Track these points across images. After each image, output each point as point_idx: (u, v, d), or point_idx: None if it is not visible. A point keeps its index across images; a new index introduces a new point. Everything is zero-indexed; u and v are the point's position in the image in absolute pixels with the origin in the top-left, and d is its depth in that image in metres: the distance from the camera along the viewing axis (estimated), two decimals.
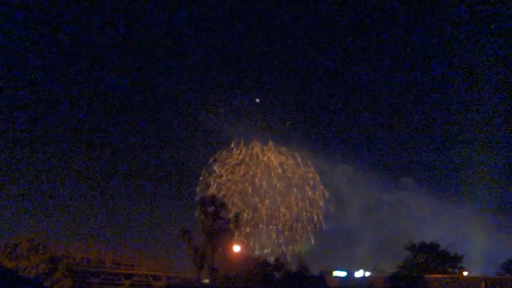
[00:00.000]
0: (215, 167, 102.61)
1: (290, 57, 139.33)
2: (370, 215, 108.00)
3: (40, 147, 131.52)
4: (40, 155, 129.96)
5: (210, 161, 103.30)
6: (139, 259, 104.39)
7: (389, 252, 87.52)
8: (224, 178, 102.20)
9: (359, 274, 72.96)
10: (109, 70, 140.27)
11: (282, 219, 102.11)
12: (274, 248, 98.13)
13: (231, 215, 79.01)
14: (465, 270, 70.18)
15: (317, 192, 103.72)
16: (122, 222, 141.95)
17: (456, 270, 70.20)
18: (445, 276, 64.58)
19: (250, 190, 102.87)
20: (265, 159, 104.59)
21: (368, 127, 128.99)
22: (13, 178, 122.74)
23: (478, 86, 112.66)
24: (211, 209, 75.56)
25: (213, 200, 77.20)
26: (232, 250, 76.23)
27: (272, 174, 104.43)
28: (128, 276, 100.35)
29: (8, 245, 72.82)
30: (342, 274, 71.96)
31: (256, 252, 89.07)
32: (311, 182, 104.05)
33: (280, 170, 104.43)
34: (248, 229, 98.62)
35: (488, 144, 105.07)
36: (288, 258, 78.47)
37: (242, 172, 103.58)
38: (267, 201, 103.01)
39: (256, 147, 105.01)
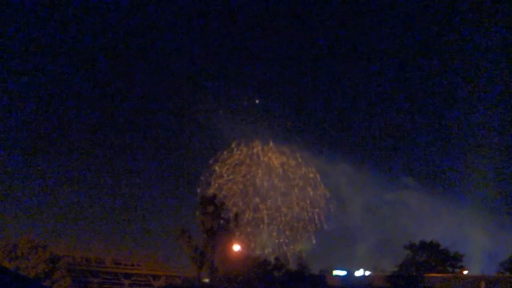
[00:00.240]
0: (216, 167, 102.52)
1: (291, 57, 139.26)
2: (371, 214, 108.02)
3: (39, 146, 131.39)
4: (39, 155, 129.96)
5: (211, 161, 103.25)
6: (139, 259, 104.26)
7: (389, 252, 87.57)
8: (225, 178, 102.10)
9: (359, 273, 73.00)
10: (109, 70, 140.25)
11: (283, 219, 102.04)
12: (275, 248, 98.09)
13: (231, 215, 78.91)
14: (465, 269, 70.26)
15: (318, 192, 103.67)
16: (122, 222, 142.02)
17: (456, 269, 70.26)
18: (445, 275, 64.64)
19: (251, 190, 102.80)
20: (265, 159, 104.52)
21: (368, 126, 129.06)
22: (13, 178, 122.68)
23: (478, 86, 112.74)
24: (211, 208, 75.55)
25: (213, 199, 77.15)
26: (232, 249, 76.20)
27: (273, 174, 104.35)
28: (128, 276, 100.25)
29: (8, 245, 72.74)
30: (342, 273, 72.01)
31: (258, 252, 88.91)
32: (312, 182, 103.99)
33: (281, 170, 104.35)
34: (249, 229, 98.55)
35: (488, 143, 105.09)
36: (289, 257, 78.33)
37: (243, 172, 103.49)
38: (268, 201, 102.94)
39: (257, 147, 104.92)
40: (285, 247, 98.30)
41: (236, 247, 76.46)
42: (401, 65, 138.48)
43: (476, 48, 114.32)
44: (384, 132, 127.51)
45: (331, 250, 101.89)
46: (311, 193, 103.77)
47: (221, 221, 75.68)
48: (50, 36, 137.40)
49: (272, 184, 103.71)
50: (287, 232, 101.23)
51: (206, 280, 74.98)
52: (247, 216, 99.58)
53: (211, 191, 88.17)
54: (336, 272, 71.90)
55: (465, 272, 68.93)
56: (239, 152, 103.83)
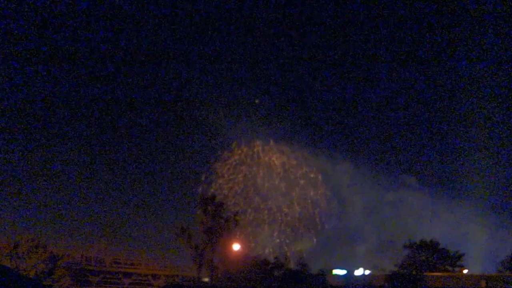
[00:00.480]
0: (217, 167, 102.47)
1: (292, 57, 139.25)
2: (372, 213, 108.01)
3: (39, 147, 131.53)
4: (40, 156, 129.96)
5: (212, 161, 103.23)
6: (139, 258, 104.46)
7: (390, 251, 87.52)
8: (225, 178, 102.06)
9: (358, 272, 72.93)
10: (111, 71, 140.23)
11: (283, 218, 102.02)
12: (275, 247, 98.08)
13: (230, 214, 78.93)
14: (465, 268, 70.22)
15: (319, 192, 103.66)
16: (122, 222, 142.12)
17: (456, 268, 70.23)
18: (445, 274, 64.56)
19: (251, 190, 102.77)
20: (266, 159, 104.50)
21: (369, 126, 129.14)
22: (13, 179, 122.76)
23: (479, 86, 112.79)
24: (211, 208, 75.59)
25: (213, 199, 77.18)
26: (232, 248, 76.20)
27: (274, 174, 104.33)
28: (128, 275, 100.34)
29: (9, 245, 72.75)
30: (342, 272, 71.90)
31: (259, 252, 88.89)
32: (313, 182, 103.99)
33: (281, 170, 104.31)
34: (250, 229, 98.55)
35: (489, 144, 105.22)
36: (289, 257, 78.33)
37: (243, 172, 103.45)
38: (269, 201, 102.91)
39: (258, 147, 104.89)
40: (285, 247, 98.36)
41: (236, 247, 76.46)
42: (403, 65, 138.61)
43: (476, 48, 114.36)
44: (385, 132, 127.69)
45: (331, 249, 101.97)
46: (311, 192, 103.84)
47: (221, 221, 75.73)
48: (49, 37, 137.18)
49: (273, 183, 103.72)
50: (287, 232, 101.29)
51: (206, 279, 74.96)
52: (248, 216, 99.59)
53: (211, 191, 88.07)
54: (335, 271, 71.80)
55: (465, 271, 68.89)
56: (239, 151, 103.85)
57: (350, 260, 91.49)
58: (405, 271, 66.67)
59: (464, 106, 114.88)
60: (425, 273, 62.70)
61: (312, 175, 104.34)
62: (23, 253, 71.52)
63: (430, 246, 71.85)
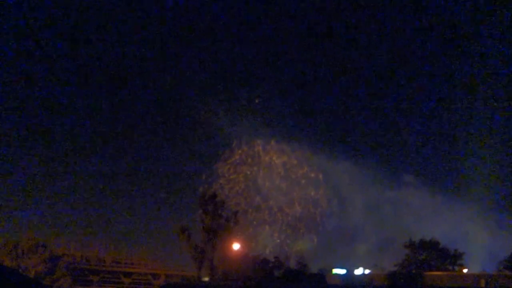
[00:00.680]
0: (217, 167, 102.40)
1: (291, 56, 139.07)
2: (372, 213, 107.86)
3: (39, 145, 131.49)
4: (39, 154, 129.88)
5: (212, 161, 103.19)
6: (139, 258, 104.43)
7: (390, 250, 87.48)
8: (226, 177, 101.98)
9: (358, 271, 73.01)
10: (110, 70, 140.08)
11: (284, 218, 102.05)
12: (276, 247, 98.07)
13: (230, 214, 79.00)
14: (465, 267, 70.30)
15: (319, 191, 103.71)
16: (122, 221, 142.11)
17: (456, 267, 70.34)
18: (445, 273, 64.65)
19: (252, 189, 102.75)
20: (267, 158, 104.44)
21: (369, 124, 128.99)
22: (13, 178, 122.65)
23: (479, 84, 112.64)
24: (211, 207, 75.69)
25: (213, 198, 77.25)
26: (232, 248, 76.32)
27: (275, 174, 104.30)
28: (128, 274, 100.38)
29: (9, 244, 72.97)
30: (342, 271, 71.98)
31: (260, 252, 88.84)
32: (313, 181, 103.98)
33: (282, 170, 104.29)
34: (250, 229, 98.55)
35: (489, 141, 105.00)
36: (290, 256, 78.41)
37: (244, 171, 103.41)
38: (270, 200, 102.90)
39: (258, 146, 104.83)
40: (286, 247, 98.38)
41: (236, 246, 76.57)
42: (402, 64, 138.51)
43: (477, 47, 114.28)
44: (385, 131, 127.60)
45: (331, 248, 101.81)
46: (312, 192, 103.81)
47: (221, 220, 75.83)
48: (48, 38, 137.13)
49: (274, 183, 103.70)
50: (288, 231, 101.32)
51: (206, 279, 75.05)
52: (248, 216, 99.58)
53: (212, 190, 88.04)
54: (335, 271, 71.86)
55: (465, 270, 68.97)
56: (240, 151, 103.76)
57: (350, 259, 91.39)
58: (405, 270, 66.81)
59: (465, 105, 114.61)
60: (425, 272, 62.80)
61: (312, 175, 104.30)
62: (23, 252, 71.81)
63: (430, 245, 71.95)
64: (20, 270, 66.04)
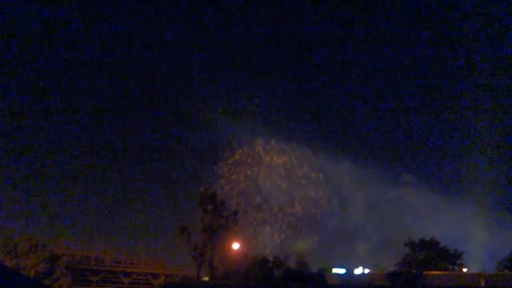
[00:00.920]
0: (218, 167, 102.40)
1: (292, 56, 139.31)
2: (372, 212, 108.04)
3: (39, 146, 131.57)
4: (39, 154, 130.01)
5: (212, 161, 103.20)
6: (138, 257, 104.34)
7: (390, 249, 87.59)
8: (226, 178, 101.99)
9: (358, 271, 73.01)
10: (110, 71, 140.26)
11: (285, 218, 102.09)
12: (277, 247, 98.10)
13: (230, 213, 78.94)
14: (465, 267, 70.31)
15: (320, 191, 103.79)
16: (121, 221, 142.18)
17: (455, 267, 70.35)
18: (444, 272, 64.64)
19: (253, 189, 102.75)
20: (267, 158, 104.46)
21: (370, 125, 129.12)
22: (13, 178, 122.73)
23: (479, 84, 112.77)
24: (210, 206, 75.66)
25: (212, 198, 77.21)
26: (231, 247, 76.29)
27: (275, 174, 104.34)
28: (127, 274, 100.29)
29: (8, 244, 72.87)
30: (341, 271, 71.94)
31: (260, 252, 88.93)
32: (314, 181, 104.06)
33: (282, 169, 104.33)
34: (251, 229, 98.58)
35: (489, 142, 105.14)
36: (290, 255, 78.43)
37: (244, 172, 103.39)
38: (271, 200, 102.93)
39: (258, 146, 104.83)
40: (286, 247, 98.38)
41: (236, 246, 76.53)
42: (403, 63, 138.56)
43: (477, 47, 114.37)
44: (386, 131, 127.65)
45: (332, 248, 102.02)
46: (313, 192, 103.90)
47: (221, 219, 75.81)
48: (56, 37, 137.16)
49: (274, 183, 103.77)
50: (288, 231, 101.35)
51: (206, 279, 75.01)
52: (249, 216, 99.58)
53: (212, 190, 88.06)
54: (335, 270, 71.85)
55: (465, 270, 68.96)
56: (240, 151, 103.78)
57: (350, 259, 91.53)
58: (405, 269, 66.79)
59: (465, 104, 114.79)
60: (424, 272, 62.78)
61: (313, 175, 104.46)
62: (23, 252, 71.69)
63: (430, 245, 71.95)
64: (19, 270, 65.92)
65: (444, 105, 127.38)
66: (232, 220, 77.32)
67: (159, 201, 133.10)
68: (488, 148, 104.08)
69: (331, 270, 71.78)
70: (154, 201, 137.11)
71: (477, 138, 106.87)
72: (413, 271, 64.61)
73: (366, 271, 72.83)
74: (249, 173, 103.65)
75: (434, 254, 71.19)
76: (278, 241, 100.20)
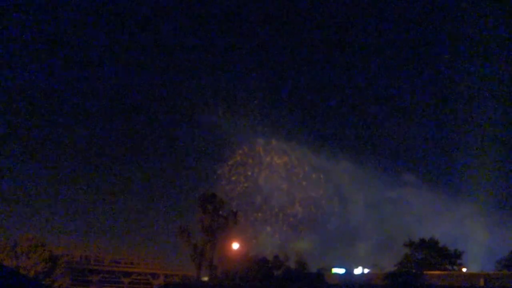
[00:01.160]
0: (218, 167, 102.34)
1: (291, 55, 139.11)
2: (372, 212, 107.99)
3: (39, 145, 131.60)
4: (39, 154, 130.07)
5: (212, 161, 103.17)
6: (138, 257, 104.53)
7: (390, 249, 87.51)
8: (227, 177, 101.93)
9: (358, 271, 73.02)
10: (111, 71, 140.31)
11: (286, 219, 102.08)
12: (277, 247, 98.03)
13: (230, 213, 78.97)
14: (464, 267, 70.27)
15: (320, 191, 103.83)
16: (121, 221, 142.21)
17: (455, 267, 70.32)
18: (444, 272, 64.61)
19: (253, 190, 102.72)
20: (268, 158, 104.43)
21: (370, 124, 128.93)
22: (12, 178, 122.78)
23: (480, 84, 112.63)
24: (210, 207, 75.66)
25: (212, 197, 77.21)
26: (231, 247, 76.27)
27: (275, 174, 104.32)
28: (127, 274, 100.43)
29: (8, 244, 72.92)
30: (341, 271, 71.94)
31: (260, 252, 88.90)
32: (315, 181, 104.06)
33: (283, 170, 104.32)
34: (252, 229, 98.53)
35: (489, 141, 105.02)
36: (290, 256, 78.51)
37: (245, 172, 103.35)
38: (271, 201, 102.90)
39: (259, 146, 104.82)
40: (287, 247, 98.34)
41: (235, 246, 76.50)
42: (403, 63, 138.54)
43: (477, 46, 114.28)
44: (386, 130, 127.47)
45: (331, 248, 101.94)
46: (313, 192, 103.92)
47: (220, 220, 75.82)
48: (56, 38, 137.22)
49: (275, 183, 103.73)
50: (289, 232, 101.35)
51: (205, 279, 75.06)
52: (249, 216, 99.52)
53: (212, 190, 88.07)
54: (335, 270, 71.86)
55: (464, 269, 68.92)
56: (240, 151, 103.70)
57: (350, 258, 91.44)
58: (404, 269, 66.75)
59: (465, 104, 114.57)
60: (424, 272, 62.76)
61: (313, 175, 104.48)
62: (23, 252, 71.74)
63: (429, 245, 71.92)
64: (20, 270, 65.95)
65: (445, 105, 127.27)
66: (232, 220, 77.32)
67: (159, 201, 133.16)
68: (488, 148, 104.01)
69: (330, 270, 71.77)
70: (154, 201, 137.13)
71: (477, 138, 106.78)
72: (413, 271, 64.60)
73: (366, 271, 72.83)
74: (249, 173, 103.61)
75: (434, 254, 71.14)
76: (279, 241, 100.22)
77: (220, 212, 76.57)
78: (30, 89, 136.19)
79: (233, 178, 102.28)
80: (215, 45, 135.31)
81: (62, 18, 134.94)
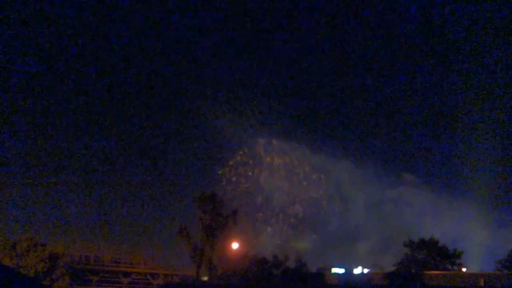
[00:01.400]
0: (218, 168, 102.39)
1: (292, 55, 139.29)
2: (373, 211, 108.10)
3: (39, 144, 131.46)
4: (39, 153, 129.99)
5: (213, 161, 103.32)
6: (138, 257, 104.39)
7: (390, 249, 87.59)
8: (227, 178, 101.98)
9: (357, 271, 73.00)
10: (113, 71, 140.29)
11: (286, 218, 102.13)
12: (277, 247, 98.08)
13: (230, 213, 78.90)
14: (464, 267, 70.26)
15: (321, 191, 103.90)
16: (121, 220, 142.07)
17: (455, 267, 70.30)
18: (444, 272, 64.59)
19: (254, 190, 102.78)
20: (268, 159, 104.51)
21: (370, 123, 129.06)
22: (12, 177, 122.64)
23: (479, 83, 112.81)
24: (210, 206, 75.60)
25: (212, 197, 77.16)
26: (231, 247, 76.23)
27: (276, 174, 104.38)
28: (127, 274, 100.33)
29: (8, 244, 72.89)
30: (341, 271, 71.92)
31: (260, 251, 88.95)
32: (315, 181, 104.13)
33: (283, 170, 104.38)
34: (252, 229, 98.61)
35: (488, 141, 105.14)
36: (289, 255, 78.60)
37: (245, 172, 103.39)
38: (272, 201, 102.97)
39: (259, 147, 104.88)
40: (287, 246, 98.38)
41: (235, 245, 76.47)
42: (403, 62, 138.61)
43: (477, 45, 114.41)
44: (386, 130, 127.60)
45: (332, 248, 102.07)
46: (314, 192, 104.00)
47: (220, 219, 75.77)
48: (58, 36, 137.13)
49: (275, 183, 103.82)
50: (289, 232, 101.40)
51: (205, 278, 75.00)
52: (250, 216, 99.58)
53: (212, 190, 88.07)
54: (334, 270, 71.84)
55: (464, 269, 68.92)
56: (241, 152, 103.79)
57: (350, 258, 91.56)
58: (404, 269, 66.75)
59: (466, 104, 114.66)
60: (424, 272, 62.76)
61: (314, 175, 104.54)
62: (22, 252, 71.71)
63: (429, 245, 71.89)
64: (19, 270, 65.94)
65: (445, 105, 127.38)
66: (232, 220, 77.27)
67: (159, 201, 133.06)
68: (488, 147, 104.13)
69: (330, 270, 71.75)
70: (154, 201, 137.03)
71: (477, 137, 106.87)
72: (413, 271, 64.60)
73: (365, 270, 72.82)
74: (250, 174, 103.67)
75: (434, 254, 71.12)
76: (279, 241, 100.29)
77: (220, 212, 76.53)
78: (30, 89, 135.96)
79: (234, 179, 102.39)
80: (216, 45, 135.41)
81: (63, 22, 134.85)
